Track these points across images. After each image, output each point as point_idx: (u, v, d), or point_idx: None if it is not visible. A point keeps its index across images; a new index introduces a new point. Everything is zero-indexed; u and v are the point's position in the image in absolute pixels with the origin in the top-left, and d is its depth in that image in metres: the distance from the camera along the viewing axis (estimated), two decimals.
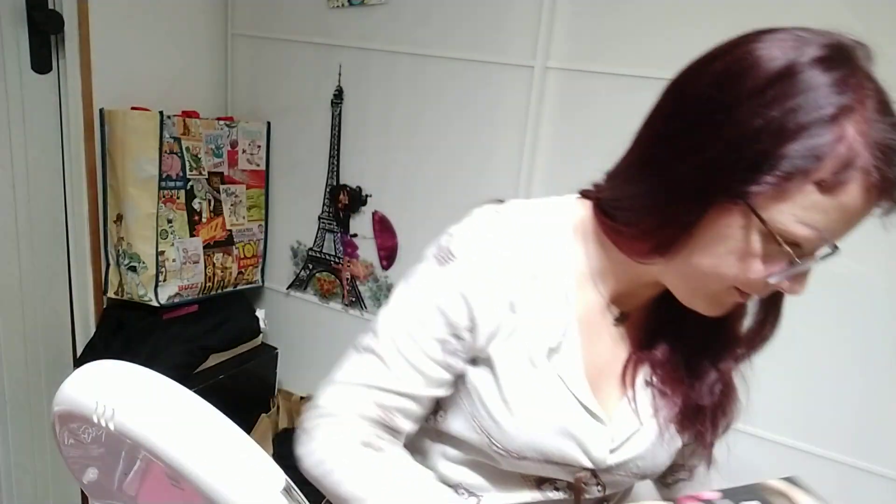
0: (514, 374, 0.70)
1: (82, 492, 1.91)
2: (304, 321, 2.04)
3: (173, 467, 0.40)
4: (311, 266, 2.00)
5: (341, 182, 1.88)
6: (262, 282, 2.06)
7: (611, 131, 1.46)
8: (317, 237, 1.96)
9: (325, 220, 1.94)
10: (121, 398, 0.42)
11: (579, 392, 0.71)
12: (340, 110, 1.84)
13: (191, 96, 1.91)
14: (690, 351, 0.76)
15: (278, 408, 2.03)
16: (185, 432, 0.41)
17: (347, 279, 1.92)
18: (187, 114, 1.77)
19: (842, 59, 0.57)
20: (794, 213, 0.56)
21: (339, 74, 1.82)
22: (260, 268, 2.03)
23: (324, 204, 1.93)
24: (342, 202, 1.89)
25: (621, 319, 0.76)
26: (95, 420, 0.41)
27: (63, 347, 1.80)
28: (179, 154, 1.71)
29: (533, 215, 0.74)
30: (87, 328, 1.79)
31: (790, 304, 1.40)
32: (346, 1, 1.75)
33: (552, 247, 0.72)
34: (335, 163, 1.88)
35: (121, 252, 1.70)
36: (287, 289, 2.05)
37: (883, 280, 1.26)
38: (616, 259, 0.71)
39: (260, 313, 2.00)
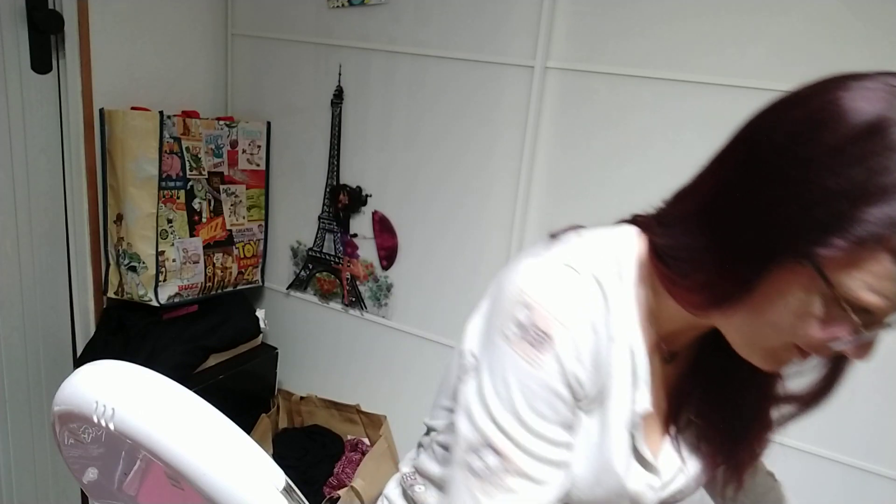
0: (586, 435, 0.67)
1: (82, 492, 1.91)
2: (304, 321, 2.04)
3: (173, 467, 0.40)
4: (311, 266, 2.00)
5: (341, 182, 1.88)
6: (262, 282, 2.06)
7: (611, 131, 1.47)
8: (317, 237, 1.96)
9: (325, 220, 1.94)
10: (121, 398, 0.42)
11: (644, 451, 0.70)
12: (340, 110, 1.84)
13: (191, 96, 1.92)
14: (736, 391, 0.74)
15: (278, 408, 2.03)
16: (185, 432, 0.41)
17: (347, 279, 1.92)
18: (187, 114, 1.77)
19: None
20: (865, 280, 0.52)
21: (339, 74, 1.82)
22: (260, 268, 2.03)
23: (324, 204, 1.93)
24: (342, 202, 1.89)
25: (670, 359, 0.74)
26: (95, 420, 0.41)
27: (63, 347, 1.80)
28: (179, 154, 1.71)
29: (603, 266, 0.67)
30: (87, 328, 1.79)
31: None
32: (346, 1, 1.75)
33: (622, 300, 0.67)
34: (335, 163, 1.88)
35: (121, 252, 1.70)
36: (287, 289, 2.05)
37: None
38: (671, 304, 0.66)
39: (260, 313, 2.00)
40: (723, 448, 0.75)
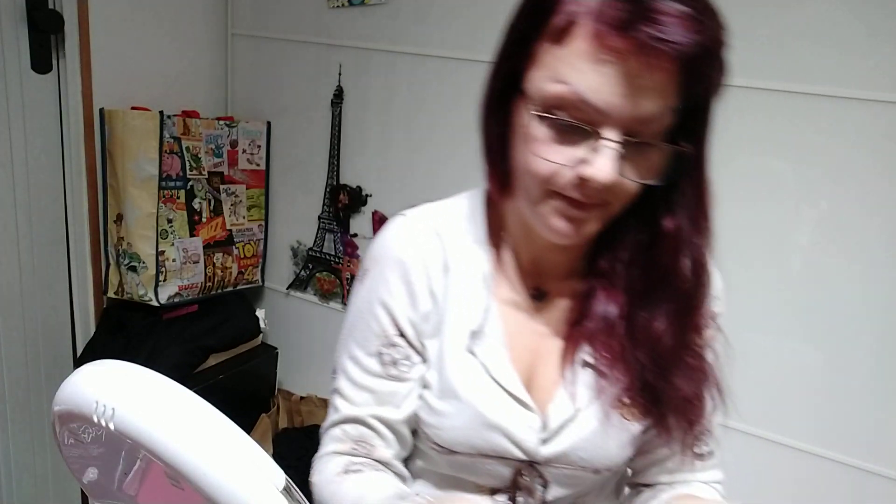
0: (441, 366, 0.71)
1: (82, 492, 1.91)
2: (304, 321, 2.04)
3: (173, 467, 0.40)
4: (311, 266, 2.00)
5: (341, 182, 1.88)
6: (262, 282, 2.06)
7: None
8: (317, 237, 1.96)
9: (325, 220, 1.94)
10: (121, 398, 0.42)
11: (503, 379, 0.69)
12: (340, 110, 1.84)
13: (191, 96, 1.91)
14: (629, 322, 0.69)
15: (278, 408, 2.03)
16: (185, 432, 0.41)
17: (347, 279, 1.92)
18: (187, 114, 1.77)
19: None
20: (546, 73, 0.59)
21: (339, 74, 1.82)
22: (260, 268, 2.03)
23: (324, 204, 1.93)
24: (342, 202, 1.89)
25: (539, 296, 0.74)
26: (95, 420, 0.41)
27: (63, 347, 1.80)
28: (179, 154, 1.71)
29: (442, 210, 0.77)
30: (87, 328, 1.79)
31: (795, 308, 1.39)
32: (346, 1, 1.75)
33: (463, 231, 0.74)
34: (335, 163, 1.88)
35: (121, 252, 1.70)
36: (287, 289, 2.05)
37: (881, 276, 1.26)
38: (510, 217, 0.73)
39: (260, 313, 2.00)
40: (628, 390, 0.69)
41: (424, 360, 0.73)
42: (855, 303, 1.29)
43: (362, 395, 0.72)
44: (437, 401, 0.70)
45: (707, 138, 0.65)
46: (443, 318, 0.71)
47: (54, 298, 1.76)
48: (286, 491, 0.42)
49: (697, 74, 0.58)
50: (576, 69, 0.57)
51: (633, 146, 0.59)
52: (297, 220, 2.00)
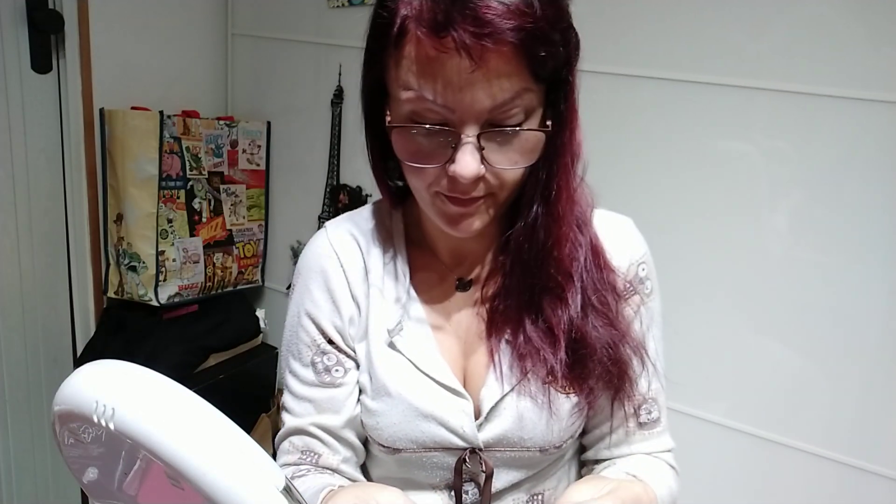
0: (371, 367, 0.72)
1: (82, 492, 1.91)
2: None
3: (173, 467, 0.40)
4: None
5: (341, 182, 1.88)
6: (262, 282, 2.06)
7: (611, 131, 1.46)
8: None
9: (325, 220, 1.94)
10: (121, 398, 0.42)
11: (430, 369, 0.70)
12: (340, 110, 1.84)
13: (191, 96, 1.91)
14: (529, 298, 0.70)
15: (278, 408, 2.03)
16: (185, 432, 0.41)
17: None
18: (187, 113, 1.77)
19: None
20: (397, 84, 0.60)
21: (339, 74, 1.82)
22: (260, 268, 2.03)
23: (324, 204, 1.93)
24: (342, 202, 1.89)
25: (463, 287, 0.75)
26: (95, 420, 0.41)
27: (63, 347, 1.80)
28: (179, 154, 1.71)
29: (359, 211, 0.79)
30: (87, 328, 1.79)
31: (790, 303, 1.39)
32: (346, 1, 1.75)
33: (381, 234, 0.76)
34: (335, 163, 1.88)
35: (121, 252, 1.70)
36: (287, 289, 2.05)
37: (881, 276, 1.26)
38: (425, 214, 0.72)
39: (260, 313, 2.00)
40: (552, 367, 0.68)
41: (358, 365, 0.74)
42: (855, 304, 1.29)
43: (303, 405, 0.75)
44: (372, 401, 0.72)
45: (568, 112, 0.64)
46: (367, 320, 0.73)
47: (54, 298, 1.76)
48: (286, 491, 0.42)
49: (535, 55, 0.57)
50: (415, 74, 0.58)
51: (494, 135, 0.60)
52: (297, 220, 2.00)
